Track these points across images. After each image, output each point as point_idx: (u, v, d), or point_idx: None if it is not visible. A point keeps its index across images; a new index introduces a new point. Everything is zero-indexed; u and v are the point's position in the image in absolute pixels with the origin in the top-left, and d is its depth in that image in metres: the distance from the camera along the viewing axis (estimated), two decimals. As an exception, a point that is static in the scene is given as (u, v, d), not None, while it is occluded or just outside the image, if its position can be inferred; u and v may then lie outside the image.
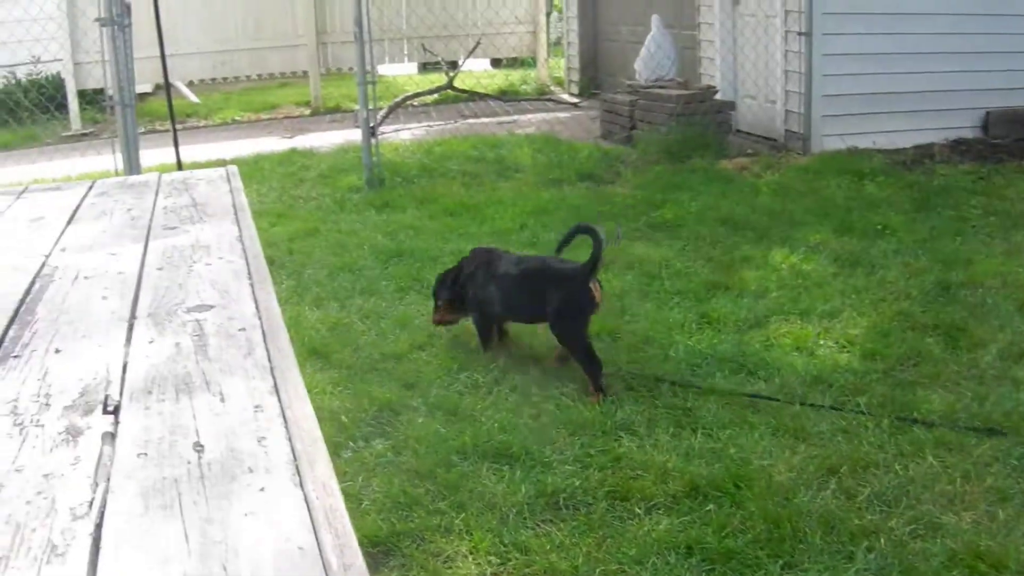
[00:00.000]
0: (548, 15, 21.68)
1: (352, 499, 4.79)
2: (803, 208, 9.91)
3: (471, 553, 4.54)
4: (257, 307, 3.06)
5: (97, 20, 9.93)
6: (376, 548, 4.56)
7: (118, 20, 9.80)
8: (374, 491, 5.04)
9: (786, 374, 6.23)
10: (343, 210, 10.58)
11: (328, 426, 2.21)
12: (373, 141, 11.76)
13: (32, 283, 3.51)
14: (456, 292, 6.96)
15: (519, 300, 6.72)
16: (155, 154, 12.66)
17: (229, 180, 5.24)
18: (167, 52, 10.46)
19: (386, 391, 6.15)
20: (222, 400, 2.40)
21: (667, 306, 7.42)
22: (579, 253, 6.53)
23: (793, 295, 7.62)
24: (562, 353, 6.56)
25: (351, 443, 5.55)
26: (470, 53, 18.47)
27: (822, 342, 6.77)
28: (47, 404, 2.44)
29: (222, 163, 12.49)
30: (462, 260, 7.14)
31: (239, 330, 2.87)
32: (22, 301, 3.31)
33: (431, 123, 16.35)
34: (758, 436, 5.47)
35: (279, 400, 2.38)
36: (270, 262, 3.70)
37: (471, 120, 16.46)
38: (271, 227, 9.66)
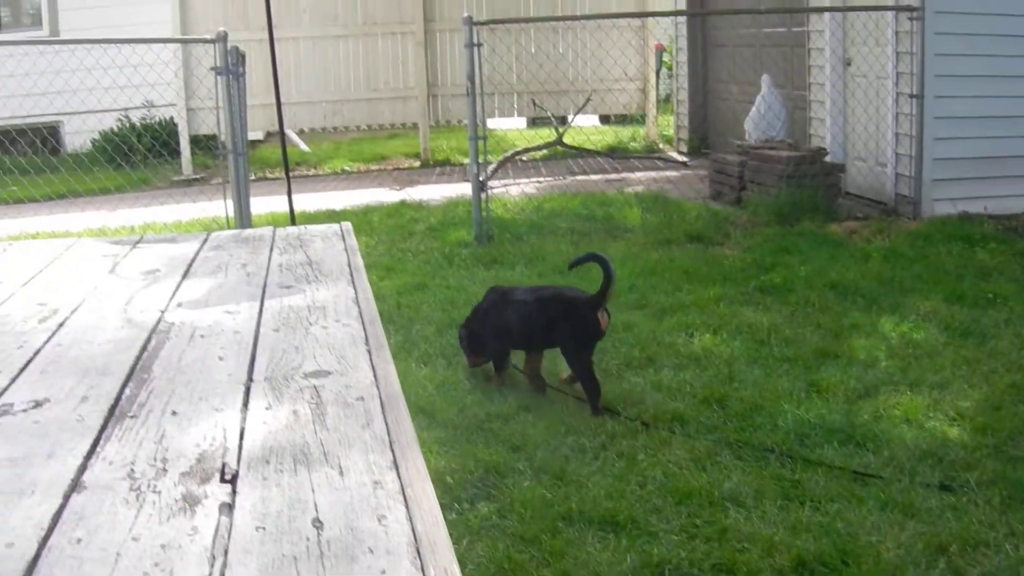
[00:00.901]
0: (657, 72, 21.66)
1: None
2: (913, 275, 9.79)
3: (575, 623, 4.52)
4: (375, 375, 3.05)
5: (212, 69, 10.10)
6: (480, 614, 4.54)
7: (233, 69, 9.96)
8: (478, 555, 5.02)
9: (895, 447, 6.14)
10: (452, 265, 10.62)
11: (433, 486, 2.21)
12: (483, 196, 11.81)
13: (148, 339, 3.54)
14: (478, 333, 7.55)
15: (535, 328, 7.24)
16: (265, 202, 12.81)
17: (344, 238, 5.27)
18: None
19: (492, 452, 6.14)
20: (341, 474, 2.38)
21: (775, 373, 7.37)
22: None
23: (903, 365, 7.52)
24: (570, 376, 7.23)
25: (456, 505, 5.55)
26: (580, 109, 18.49)
27: (932, 414, 6.66)
28: (164, 469, 2.44)
29: (331, 213, 12.65)
30: (477, 305, 7.80)
31: (357, 399, 2.86)
32: (138, 358, 3.34)
33: (540, 178, 16.38)
34: (866, 511, 5.39)
35: (399, 476, 2.36)
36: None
37: (580, 176, 16.48)
38: (380, 281, 9.70)
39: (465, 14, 11.92)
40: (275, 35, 10.37)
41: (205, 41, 10.74)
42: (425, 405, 6.83)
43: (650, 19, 19.71)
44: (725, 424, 6.54)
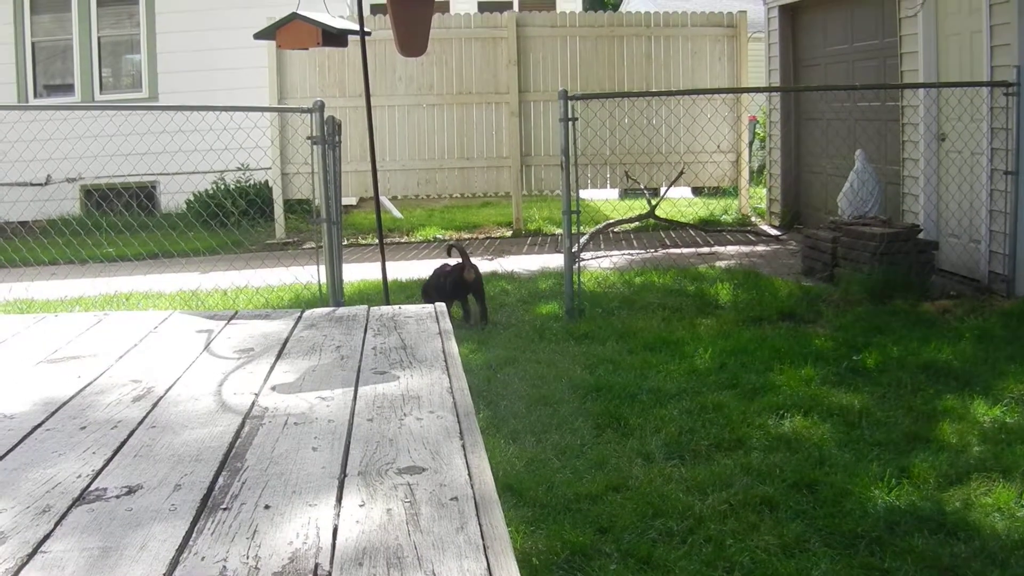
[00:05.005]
0: (750, 144, 21.62)
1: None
2: (1006, 356, 9.65)
3: None
4: (470, 474, 3.02)
5: (309, 138, 10.18)
6: None
7: (329, 139, 10.03)
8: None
9: (986, 536, 6.06)
10: (542, 339, 10.61)
11: (519, 567, 2.19)
12: (575, 268, 11.80)
13: (242, 425, 3.56)
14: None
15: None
16: (357, 269, 12.94)
17: (438, 320, 5.28)
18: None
19: (579, 534, 6.10)
20: (434, 580, 2.35)
21: (866, 458, 7.27)
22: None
23: (995, 451, 7.40)
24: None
25: (541, 587, 5.54)
26: (673, 181, 18.50)
27: (1024, 503, 6.58)
28: (256, 568, 2.44)
29: (423, 283, 12.67)
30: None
31: (451, 499, 2.83)
32: (231, 445, 3.35)
33: (631, 251, 16.38)
34: (957, 602, 5.34)
35: (492, 585, 2.31)
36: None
37: (671, 250, 16.46)
38: (470, 353, 9.72)
39: (560, 88, 11.96)
40: (371, 103, 10.46)
41: (302, 111, 10.84)
42: (513, 483, 6.81)
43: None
44: (814, 509, 6.47)
